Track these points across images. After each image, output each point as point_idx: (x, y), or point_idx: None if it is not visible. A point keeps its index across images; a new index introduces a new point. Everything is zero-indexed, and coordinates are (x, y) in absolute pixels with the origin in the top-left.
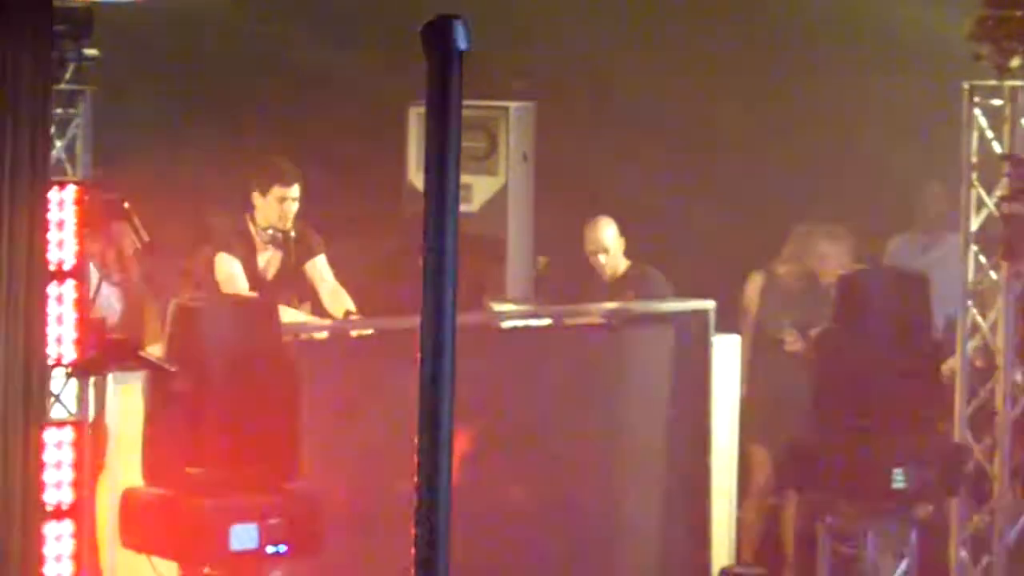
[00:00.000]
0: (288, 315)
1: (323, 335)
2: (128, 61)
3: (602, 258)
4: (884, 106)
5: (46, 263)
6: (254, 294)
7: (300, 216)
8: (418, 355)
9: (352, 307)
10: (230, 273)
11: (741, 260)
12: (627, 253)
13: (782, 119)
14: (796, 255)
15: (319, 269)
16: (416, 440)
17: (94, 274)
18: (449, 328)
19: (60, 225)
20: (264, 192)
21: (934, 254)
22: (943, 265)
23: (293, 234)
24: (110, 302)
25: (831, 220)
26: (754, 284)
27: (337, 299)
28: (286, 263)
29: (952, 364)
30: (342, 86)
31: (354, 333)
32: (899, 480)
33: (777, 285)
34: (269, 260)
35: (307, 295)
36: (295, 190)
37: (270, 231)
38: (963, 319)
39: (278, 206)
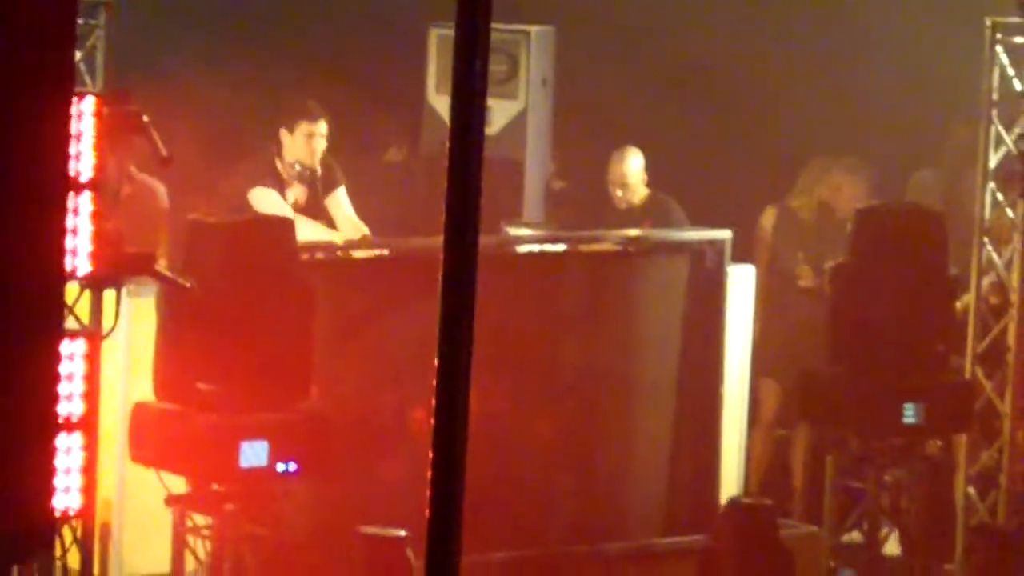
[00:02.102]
0: (309, 227)
1: (338, 254)
2: None
3: (620, 192)
4: (906, 43)
5: (66, 175)
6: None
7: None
8: (437, 277)
9: (369, 236)
10: (268, 203)
11: (758, 192)
12: (646, 183)
13: (804, 53)
14: (810, 187)
15: (339, 201)
16: (436, 364)
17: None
18: (472, 257)
19: (78, 137)
20: (291, 129)
21: (958, 191)
22: (967, 203)
23: (319, 170)
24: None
25: (848, 153)
26: (768, 218)
27: (355, 230)
28: (311, 198)
29: (966, 301)
30: (362, 5)
31: (369, 253)
32: (909, 415)
33: (791, 219)
34: (296, 194)
35: (330, 227)
36: (322, 126)
37: (297, 167)
38: (978, 256)
39: (306, 143)
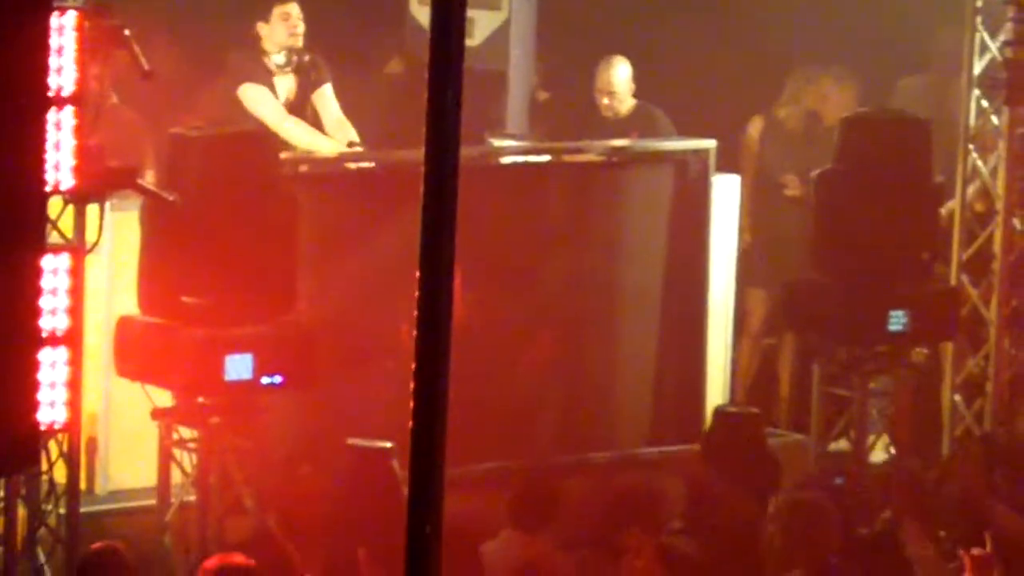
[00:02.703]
0: (301, 130)
1: (324, 168)
2: None
3: (607, 100)
4: None
5: (46, 89)
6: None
7: (308, 44)
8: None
9: (356, 138)
10: (258, 100)
11: (744, 101)
12: (632, 93)
13: None
14: (797, 96)
15: (325, 98)
16: (417, 277)
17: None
18: (452, 167)
19: (60, 51)
20: (267, 18)
21: (944, 98)
22: (953, 110)
23: (307, 57)
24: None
25: (835, 61)
26: (754, 128)
27: (341, 130)
28: (301, 90)
29: (951, 208)
30: None
31: (354, 166)
32: (895, 322)
33: (778, 129)
34: (286, 87)
35: (316, 125)
36: (294, 7)
37: (283, 54)
38: (963, 163)
39: (283, 24)
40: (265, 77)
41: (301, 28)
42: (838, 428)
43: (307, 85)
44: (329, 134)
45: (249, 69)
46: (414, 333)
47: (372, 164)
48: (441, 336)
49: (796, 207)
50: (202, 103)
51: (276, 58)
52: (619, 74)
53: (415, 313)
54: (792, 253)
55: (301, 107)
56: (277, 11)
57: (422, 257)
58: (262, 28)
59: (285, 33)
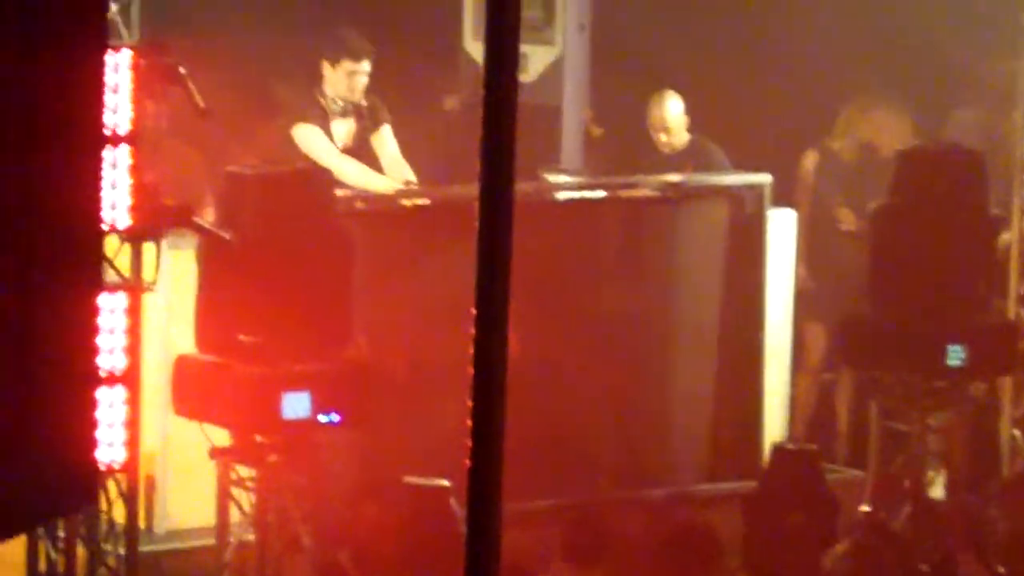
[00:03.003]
0: (354, 169)
1: (379, 204)
2: None
3: (663, 136)
4: None
5: (102, 129)
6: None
7: (369, 88)
8: (475, 225)
9: (412, 177)
10: (311, 140)
11: (798, 134)
12: (688, 127)
13: None
14: (850, 128)
15: (384, 139)
16: (473, 312)
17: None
18: (507, 202)
19: (115, 89)
20: (334, 65)
21: (997, 130)
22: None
23: (364, 103)
24: None
25: (887, 92)
26: (809, 160)
27: (398, 169)
28: (359, 133)
29: (1008, 239)
30: None
31: (409, 202)
32: (953, 357)
33: (833, 161)
34: (344, 131)
35: (374, 168)
36: (365, 65)
37: (340, 103)
38: (1019, 195)
39: (347, 79)
40: (320, 118)
41: (363, 84)
42: (896, 464)
43: (365, 129)
44: (387, 173)
45: (304, 108)
46: (470, 369)
47: (427, 200)
48: (497, 372)
49: (853, 241)
50: (260, 140)
51: (333, 105)
52: (671, 109)
53: (471, 349)
54: (850, 287)
55: (358, 150)
56: (347, 66)
57: (477, 293)
58: (326, 69)
59: (346, 87)
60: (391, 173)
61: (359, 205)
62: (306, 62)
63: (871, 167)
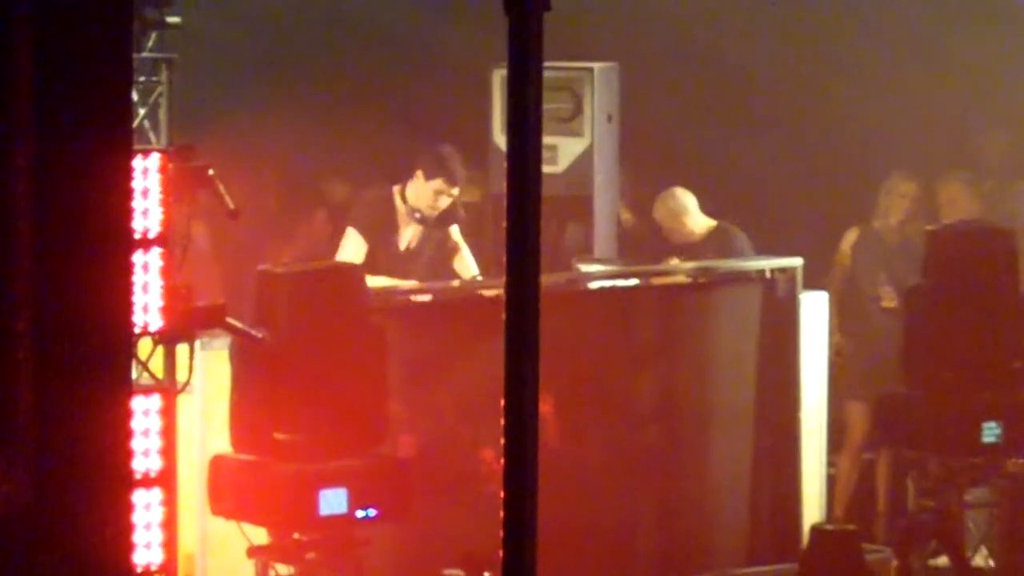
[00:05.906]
0: (378, 281)
1: (409, 299)
2: (211, 27)
3: (668, 232)
4: (967, 61)
5: (130, 231)
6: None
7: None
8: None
9: (476, 272)
10: (345, 244)
11: (829, 216)
12: (711, 212)
13: (867, 77)
14: (889, 208)
15: (452, 238)
16: (502, 403)
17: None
18: (533, 289)
19: (145, 193)
20: (428, 178)
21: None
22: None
23: (437, 215)
24: None
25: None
26: (849, 239)
27: (463, 266)
28: (425, 236)
29: None
30: (426, 48)
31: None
32: (989, 434)
33: (874, 239)
34: (410, 233)
35: (433, 265)
36: (455, 191)
37: (417, 214)
38: None
39: (433, 197)
40: (386, 221)
41: (445, 204)
42: (933, 544)
43: (431, 232)
44: (455, 269)
45: (371, 210)
46: (502, 460)
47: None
48: (528, 463)
49: (891, 317)
50: (300, 234)
51: (409, 208)
52: (669, 206)
53: (502, 440)
54: (891, 366)
55: (420, 248)
56: (439, 184)
57: (506, 383)
58: (419, 178)
59: (429, 203)
60: (460, 269)
61: (393, 301)
62: (381, 163)
63: (913, 246)
